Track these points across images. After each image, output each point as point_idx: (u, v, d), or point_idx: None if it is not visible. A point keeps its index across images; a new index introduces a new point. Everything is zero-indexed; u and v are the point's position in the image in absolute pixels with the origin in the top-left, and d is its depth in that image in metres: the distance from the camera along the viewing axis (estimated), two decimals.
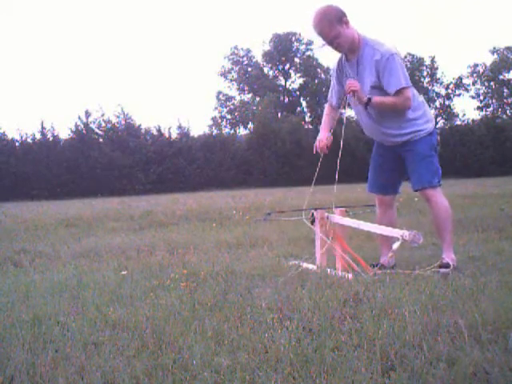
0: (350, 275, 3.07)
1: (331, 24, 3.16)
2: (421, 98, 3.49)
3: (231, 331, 2.08)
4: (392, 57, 3.19)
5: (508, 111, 46.80)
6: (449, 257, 3.26)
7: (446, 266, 3.18)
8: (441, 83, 49.97)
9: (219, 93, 48.97)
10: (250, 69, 49.61)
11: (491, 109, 47.33)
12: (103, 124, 32.48)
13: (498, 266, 3.13)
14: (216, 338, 2.02)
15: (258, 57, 50.36)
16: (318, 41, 3.28)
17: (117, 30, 76.94)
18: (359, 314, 2.22)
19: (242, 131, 43.67)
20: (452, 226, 3.40)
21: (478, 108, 48.05)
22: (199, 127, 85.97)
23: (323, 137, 3.52)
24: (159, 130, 33.45)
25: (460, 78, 48.74)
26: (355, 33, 3.25)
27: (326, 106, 3.71)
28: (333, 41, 3.22)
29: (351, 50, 3.28)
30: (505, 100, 47.35)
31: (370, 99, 3.21)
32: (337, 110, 3.63)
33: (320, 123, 3.81)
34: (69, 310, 2.60)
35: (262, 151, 33.67)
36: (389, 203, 3.63)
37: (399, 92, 3.20)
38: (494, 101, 47.83)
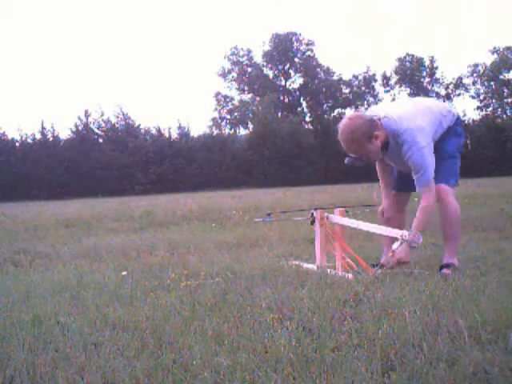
0: (350, 275, 3.07)
1: (360, 144, 3.04)
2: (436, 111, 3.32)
3: (231, 331, 2.08)
4: (412, 150, 3.06)
5: (508, 111, 46.82)
6: (451, 259, 3.25)
7: (447, 266, 3.17)
8: (441, 83, 49.99)
9: (218, 94, 48.97)
10: (249, 69, 49.62)
11: (491, 109, 47.36)
12: (103, 124, 32.51)
13: (498, 266, 3.13)
14: (216, 338, 2.02)
15: (258, 57, 50.43)
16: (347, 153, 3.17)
17: (117, 31, 77.00)
18: (359, 314, 2.21)
19: (241, 131, 43.68)
20: (460, 230, 3.34)
21: (478, 108, 48.10)
22: (199, 127, 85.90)
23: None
24: (159, 130, 33.50)
25: (460, 78, 48.78)
26: (384, 134, 3.11)
27: (377, 164, 3.56)
28: (361, 156, 3.12)
29: (382, 148, 3.17)
30: (505, 100, 47.35)
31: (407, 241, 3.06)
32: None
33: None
34: (69, 309, 2.60)
35: (262, 151, 33.69)
36: (403, 204, 3.59)
37: (424, 191, 3.12)
38: (493, 101, 47.85)
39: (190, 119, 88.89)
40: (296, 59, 50.16)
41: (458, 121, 3.40)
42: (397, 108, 3.29)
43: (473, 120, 39.22)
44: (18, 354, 1.90)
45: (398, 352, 1.76)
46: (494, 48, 46.94)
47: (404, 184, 3.47)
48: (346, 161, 3.26)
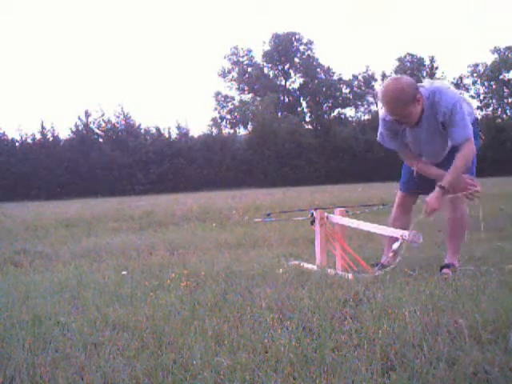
0: (350, 275, 3.07)
1: (404, 107, 2.97)
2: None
3: (231, 331, 2.08)
4: (454, 107, 3.02)
5: (508, 111, 46.80)
6: (453, 260, 3.26)
7: (448, 266, 3.18)
8: None
9: (217, 94, 48.97)
10: (250, 69, 49.61)
11: (491, 109, 47.35)
12: (103, 124, 32.51)
13: (498, 266, 3.13)
14: (216, 338, 2.02)
15: (258, 57, 50.41)
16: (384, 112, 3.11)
17: (117, 30, 76.99)
18: (359, 314, 2.22)
19: (241, 131, 43.68)
20: (464, 233, 3.34)
21: (478, 108, 48.04)
22: (199, 127, 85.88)
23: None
24: (159, 130, 33.48)
25: (460, 78, 48.76)
26: (422, 102, 3.04)
27: (403, 156, 3.40)
28: (402, 119, 3.06)
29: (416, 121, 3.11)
30: (505, 100, 47.35)
31: (443, 187, 3.03)
32: (410, 150, 3.37)
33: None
34: (69, 309, 2.60)
35: (262, 151, 33.70)
36: (410, 205, 3.54)
37: (465, 143, 3.05)
38: (494, 101, 47.84)
39: (190, 119, 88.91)
40: (296, 59, 50.14)
41: (476, 122, 3.37)
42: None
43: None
44: (18, 354, 1.90)
45: (398, 352, 1.76)
46: (495, 48, 46.96)
47: (415, 185, 3.43)
48: (378, 138, 3.29)
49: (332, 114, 49.10)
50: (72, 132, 31.54)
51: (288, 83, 50.92)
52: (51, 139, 30.78)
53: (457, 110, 3.01)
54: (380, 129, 3.34)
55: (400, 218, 3.50)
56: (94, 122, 32.18)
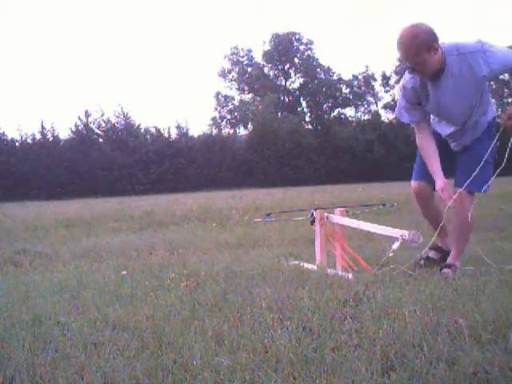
0: (350, 275, 3.07)
1: (418, 52, 2.88)
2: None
3: (231, 331, 2.08)
4: (483, 47, 2.95)
5: None
6: (455, 261, 3.26)
7: (449, 266, 3.18)
8: None
9: (218, 93, 49.00)
10: (250, 69, 49.62)
11: None
12: (103, 124, 32.50)
13: (498, 266, 3.13)
14: (216, 338, 2.02)
15: (258, 57, 50.41)
16: (401, 60, 3.09)
17: (117, 30, 76.99)
18: (359, 314, 2.22)
19: (241, 131, 43.69)
20: (469, 235, 3.33)
21: None
22: (199, 127, 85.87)
23: (444, 183, 3.10)
24: (159, 130, 33.48)
25: None
26: (441, 55, 2.96)
27: (419, 131, 3.23)
28: (415, 66, 2.97)
29: (435, 74, 2.99)
30: (505, 100, 47.35)
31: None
32: (428, 125, 3.29)
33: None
34: (69, 309, 2.60)
35: (262, 151, 33.70)
36: (427, 196, 3.40)
37: None
38: (494, 101, 47.87)
39: (190, 119, 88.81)
40: (296, 59, 50.15)
41: (494, 121, 3.33)
42: None
43: None
44: (18, 354, 1.90)
45: (398, 352, 1.76)
46: None
47: (427, 173, 3.28)
48: (396, 112, 3.24)
49: (332, 114, 49.09)
50: (72, 132, 31.55)
51: (288, 83, 50.93)
52: (51, 139, 30.78)
53: (488, 46, 2.97)
54: (399, 101, 3.25)
55: (426, 212, 3.45)
56: (93, 122, 32.20)
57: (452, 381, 1.54)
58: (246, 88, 49.91)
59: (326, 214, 3.57)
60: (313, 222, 3.63)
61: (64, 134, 38.10)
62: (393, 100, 50.25)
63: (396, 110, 3.31)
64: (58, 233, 6.90)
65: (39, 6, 71.92)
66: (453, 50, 2.99)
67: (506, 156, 3.19)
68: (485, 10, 76.41)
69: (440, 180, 3.09)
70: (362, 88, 50.79)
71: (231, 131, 41.69)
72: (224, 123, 47.00)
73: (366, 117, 46.79)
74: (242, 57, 50.32)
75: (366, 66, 55.20)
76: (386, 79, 50.56)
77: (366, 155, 34.72)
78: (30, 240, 6.14)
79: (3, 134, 29.92)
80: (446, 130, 3.29)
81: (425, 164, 3.25)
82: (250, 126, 41.36)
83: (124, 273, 3.58)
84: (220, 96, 48.98)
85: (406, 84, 3.15)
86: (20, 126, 39.25)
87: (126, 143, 31.32)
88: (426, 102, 3.13)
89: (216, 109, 48.81)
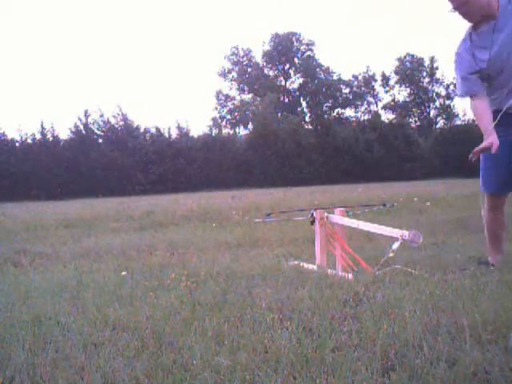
0: (350, 275, 3.07)
1: None
2: None
3: (231, 331, 2.08)
4: None
5: None
6: (490, 257, 3.35)
7: (485, 263, 3.28)
8: (441, 83, 49.98)
9: (218, 93, 49.03)
10: (249, 69, 49.64)
11: None
12: (103, 124, 32.49)
13: (498, 266, 3.13)
14: (216, 338, 2.02)
15: (258, 57, 50.45)
16: (447, 4, 2.85)
17: (116, 30, 77.00)
18: (359, 314, 2.21)
19: (242, 131, 43.70)
20: (487, 234, 3.35)
21: None
22: (199, 127, 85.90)
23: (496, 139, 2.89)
24: (158, 131, 33.47)
25: None
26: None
27: (475, 100, 3.04)
28: (460, 7, 2.81)
29: (486, 16, 2.82)
30: None
31: None
32: (486, 97, 3.08)
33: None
34: (69, 310, 2.60)
35: (262, 151, 33.68)
36: (502, 205, 3.30)
37: None
38: None
39: (190, 119, 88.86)
40: (296, 59, 50.19)
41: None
42: None
43: (473, 120, 39.20)
44: (18, 354, 1.90)
45: (398, 352, 1.76)
46: None
47: (505, 184, 3.19)
48: (457, 91, 3.08)
49: (332, 114, 49.13)
50: (72, 132, 31.52)
51: (288, 83, 50.98)
52: (51, 139, 30.75)
53: None
54: (456, 77, 3.10)
55: (495, 221, 3.32)
56: (93, 122, 32.19)
57: (452, 381, 1.54)
58: (246, 88, 49.93)
59: (326, 214, 3.57)
60: (313, 222, 3.63)
61: (64, 134, 38.09)
62: (393, 100, 50.28)
63: (456, 90, 3.17)
64: (58, 233, 6.90)
65: (39, 6, 71.95)
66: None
67: None
68: None
69: (492, 137, 2.89)
70: (362, 88, 50.81)
71: (231, 131, 41.69)
72: (224, 123, 47.04)
73: (366, 117, 46.86)
74: (242, 57, 50.35)
75: (367, 66, 55.24)
76: (385, 79, 50.59)
77: (366, 155, 34.71)
78: (30, 240, 6.14)
79: (3, 134, 29.90)
80: None
81: (495, 174, 3.17)
82: (250, 126, 41.38)
83: (124, 273, 3.57)
84: (220, 96, 49.02)
85: (458, 50, 3.04)
86: (20, 126, 39.18)
87: (125, 143, 31.31)
88: (487, 56, 2.93)
89: (216, 109, 48.86)
